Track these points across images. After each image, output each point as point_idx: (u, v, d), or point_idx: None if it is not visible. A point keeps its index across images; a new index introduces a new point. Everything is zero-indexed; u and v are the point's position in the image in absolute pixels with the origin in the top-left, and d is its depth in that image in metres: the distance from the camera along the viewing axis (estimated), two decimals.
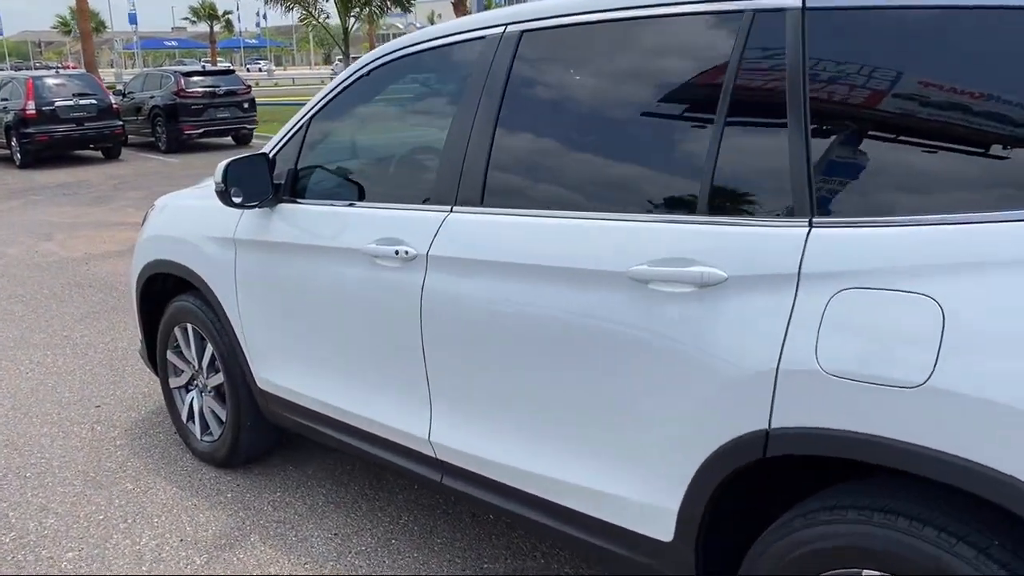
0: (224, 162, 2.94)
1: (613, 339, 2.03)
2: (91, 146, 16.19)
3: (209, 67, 19.06)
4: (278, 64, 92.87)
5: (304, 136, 3.05)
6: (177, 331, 3.71)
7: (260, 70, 66.94)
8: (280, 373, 3.16)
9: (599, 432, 2.13)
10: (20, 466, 3.78)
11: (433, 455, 2.60)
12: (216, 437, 3.63)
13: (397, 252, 2.54)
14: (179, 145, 16.97)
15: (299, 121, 3.07)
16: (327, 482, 3.56)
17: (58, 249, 8.53)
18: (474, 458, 2.47)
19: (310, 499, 3.42)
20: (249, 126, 17.73)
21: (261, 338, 3.19)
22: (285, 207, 3.05)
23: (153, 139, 17.40)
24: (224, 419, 3.56)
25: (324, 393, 2.95)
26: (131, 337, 5.60)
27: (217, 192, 2.95)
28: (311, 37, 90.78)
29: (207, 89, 17.06)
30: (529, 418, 2.29)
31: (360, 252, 2.68)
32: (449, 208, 2.48)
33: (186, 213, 3.56)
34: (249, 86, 18.28)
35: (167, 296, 3.84)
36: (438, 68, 2.75)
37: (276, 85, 47.51)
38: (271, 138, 3.23)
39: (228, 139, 18.05)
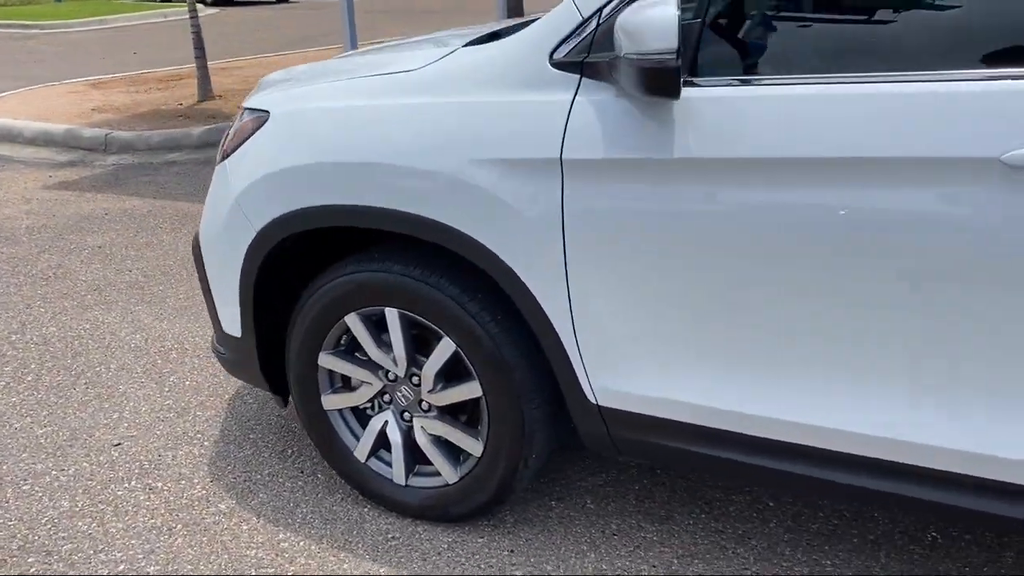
0: (672, 5, 1.54)
1: None
2: None
3: None
4: None
5: None
6: (353, 321, 2.22)
7: None
8: (666, 381, 1.88)
9: None
10: None
11: None
12: (453, 480, 2.25)
13: None
14: None
15: None
16: (646, 522, 2.35)
17: None
18: None
19: (657, 561, 2.21)
20: None
21: (625, 325, 1.87)
22: (700, 94, 1.71)
23: None
24: (480, 451, 2.19)
25: (806, 413, 1.75)
26: (80, 308, 3.75)
27: (662, 70, 1.56)
28: None
29: None
30: None
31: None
32: None
33: (395, 118, 2.02)
34: None
35: (287, 266, 2.32)
36: None
37: None
38: None
39: None
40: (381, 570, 2.19)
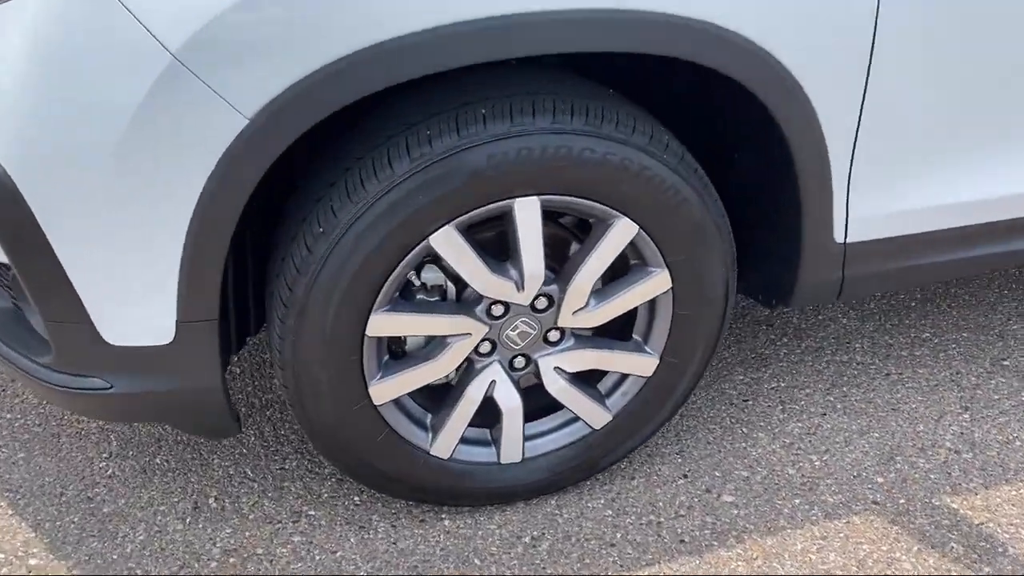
0: None
1: None
2: None
3: None
4: None
5: None
6: (447, 240, 1.24)
7: None
8: (930, 186, 1.44)
9: None
10: None
11: None
12: (602, 423, 1.51)
13: None
14: None
15: None
16: (752, 372, 1.89)
17: None
18: None
19: (819, 405, 1.80)
20: None
21: (928, 123, 1.38)
22: None
23: None
24: (652, 369, 1.48)
25: None
26: None
27: None
28: None
29: None
30: None
31: None
32: None
33: None
34: None
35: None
36: None
37: None
38: None
39: None
40: None
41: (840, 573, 1.45)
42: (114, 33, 1.01)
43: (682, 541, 1.51)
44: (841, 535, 1.52)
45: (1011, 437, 1.73)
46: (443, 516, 1.55)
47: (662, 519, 1.55)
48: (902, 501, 1.59)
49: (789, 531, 1.53)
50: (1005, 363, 1.93)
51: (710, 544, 1.50)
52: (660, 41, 1.16)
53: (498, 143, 1.19)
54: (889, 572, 1.46)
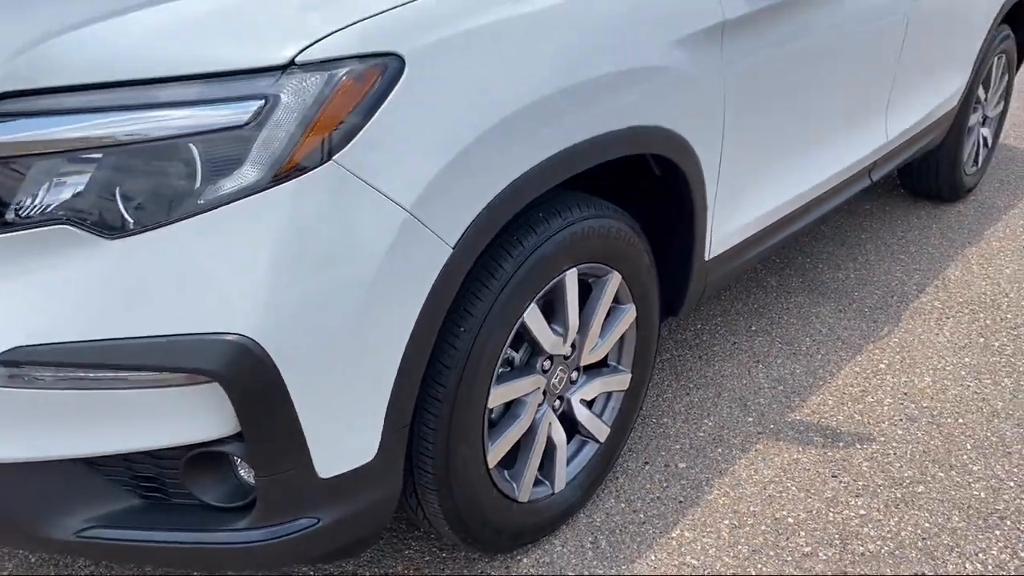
0: None
1: None
2: None
3: None
4: None
5: None
6: (533, 315, 1.62)
7: None
8: (747, 208, 2.18)
9: None
10: None
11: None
12: (605, 435, 1.95)
13: None
14: None
15: None
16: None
17: None
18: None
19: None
20: None
21: (751, 162, 2.10)
22: None
23: None
24: (628, 382, 1.97)
25: (787, 189, 2.36)
26: None
27: None
28: None
29: None
30: None
31: None
32: None
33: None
34: None
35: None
36: None
37: None
38: None
39: None
40: None
41: (777, 479, 2.09)
42: (358, 207, 1.25)
43: (681, 502, 2.01)
44: (760, 458, 2.16)
45: (792, 371, 2.54)
46: (519, 557, 1.85)
47: (660, 495, 2.03)
48: (772, 427, 2.28)
49: (732, 469, 2.12)
50: (753, 329, 2.77)
51: (698, 497, 2.03)
52: (641, 145, 1.70)
53: (560, 233, 1.61)
54: (799, 468, 2.13)
